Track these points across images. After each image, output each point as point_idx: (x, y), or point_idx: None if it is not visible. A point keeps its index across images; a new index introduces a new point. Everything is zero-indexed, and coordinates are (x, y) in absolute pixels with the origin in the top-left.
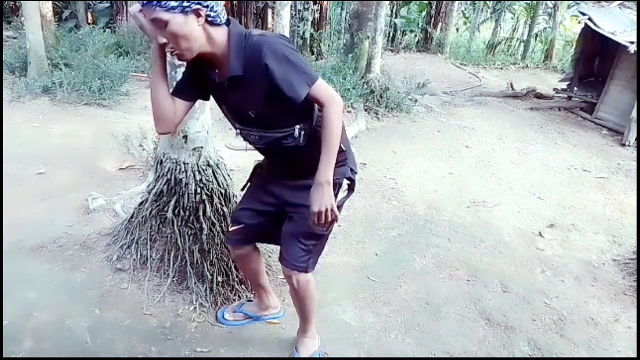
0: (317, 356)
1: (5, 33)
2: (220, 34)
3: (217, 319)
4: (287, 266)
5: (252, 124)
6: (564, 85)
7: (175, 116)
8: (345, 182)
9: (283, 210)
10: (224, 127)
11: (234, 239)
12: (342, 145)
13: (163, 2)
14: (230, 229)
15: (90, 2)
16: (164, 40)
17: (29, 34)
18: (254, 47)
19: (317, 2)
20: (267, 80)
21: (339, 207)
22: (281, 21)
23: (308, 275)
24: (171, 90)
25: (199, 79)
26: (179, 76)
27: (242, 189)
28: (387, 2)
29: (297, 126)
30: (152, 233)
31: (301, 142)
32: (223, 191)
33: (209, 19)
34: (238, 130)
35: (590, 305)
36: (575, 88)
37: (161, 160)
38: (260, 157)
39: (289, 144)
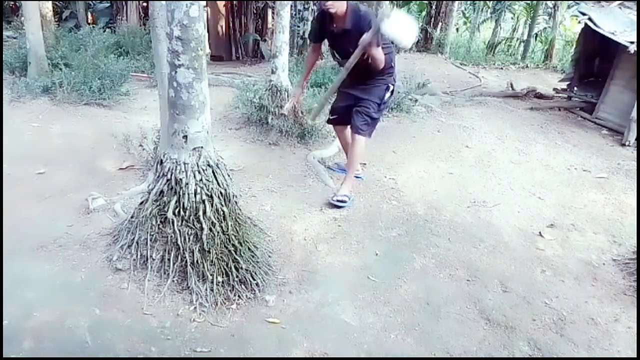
0: (350, 198)
1: (5, 33)
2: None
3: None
4: (355, 132)
5: (349, 56)
6: (564, 85)
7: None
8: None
9: (355, 102)
10: (224, 127)
11: (334, 121)
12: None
13: None
14: (330, 117)
15: (90, 2)
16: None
17: (29, 34)
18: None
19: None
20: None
21: (385, 104)
22: (281, 21)
23: (364, 139)
24: (312, 38)
25: (321, 31)
26: (179, 76)
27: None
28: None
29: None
30: (152, 233)
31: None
32: (223, 191)
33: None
34: (338, 60)
35: (590, 305)
36: (575, 88)
37: (161, 160)
38: None
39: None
